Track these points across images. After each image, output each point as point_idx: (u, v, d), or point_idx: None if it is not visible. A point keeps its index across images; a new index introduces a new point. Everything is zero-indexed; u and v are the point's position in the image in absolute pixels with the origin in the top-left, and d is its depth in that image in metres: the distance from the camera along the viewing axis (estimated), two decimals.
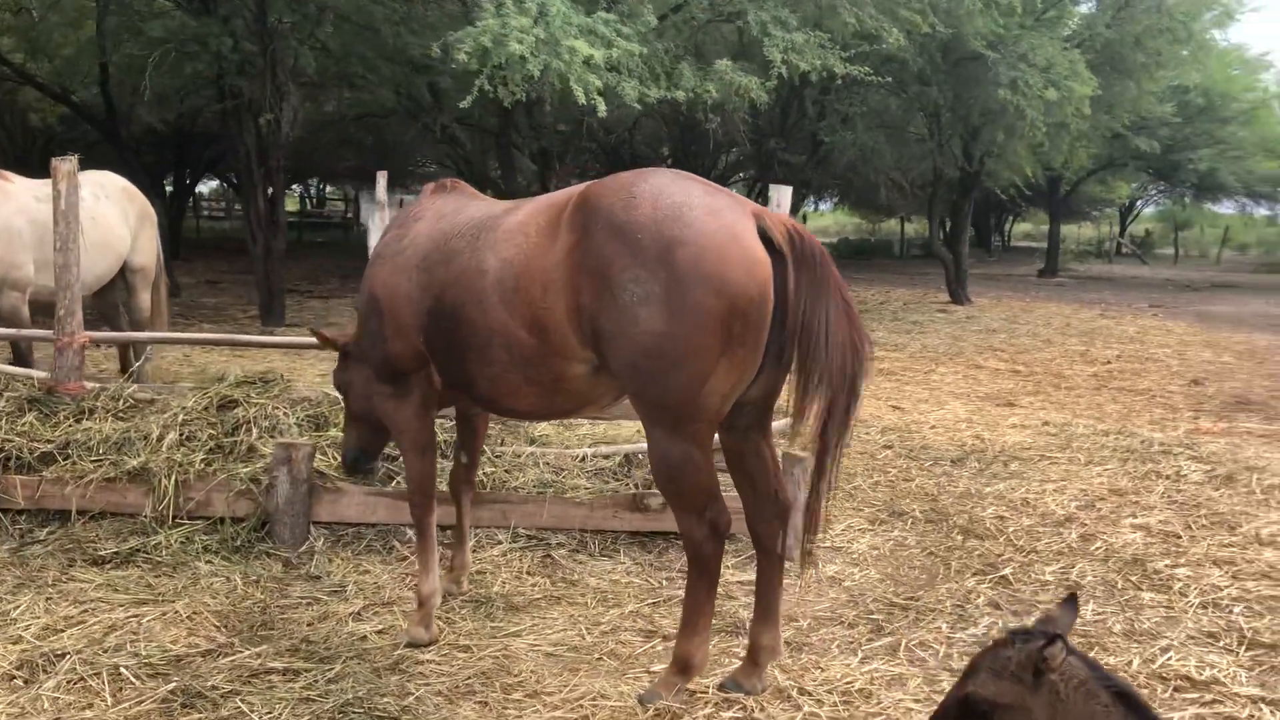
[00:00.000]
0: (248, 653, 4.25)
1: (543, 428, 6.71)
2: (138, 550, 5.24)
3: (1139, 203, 50.88)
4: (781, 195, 6.17)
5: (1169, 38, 18.52)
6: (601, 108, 10.04)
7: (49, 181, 7.86)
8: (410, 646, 4.40)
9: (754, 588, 4.23)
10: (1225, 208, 42.57)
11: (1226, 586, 5.16)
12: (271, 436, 5.82)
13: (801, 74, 11.92)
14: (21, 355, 7.46)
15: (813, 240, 3.73)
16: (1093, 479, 7.14)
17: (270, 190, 14.59)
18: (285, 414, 5.98)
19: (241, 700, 3.88)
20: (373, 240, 6.24)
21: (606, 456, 6.23)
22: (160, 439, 5.69)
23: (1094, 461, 7.62)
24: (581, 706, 3.94)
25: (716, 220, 3.58)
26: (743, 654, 4.24)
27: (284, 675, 4.11)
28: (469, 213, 4.33)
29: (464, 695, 4.03)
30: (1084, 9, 21.26)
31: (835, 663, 4.37)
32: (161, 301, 8.81)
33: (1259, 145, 32.30)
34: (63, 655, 4.16)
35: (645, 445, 6.41)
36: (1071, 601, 2.65)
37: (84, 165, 6.66)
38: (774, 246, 3.65)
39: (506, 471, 5.91)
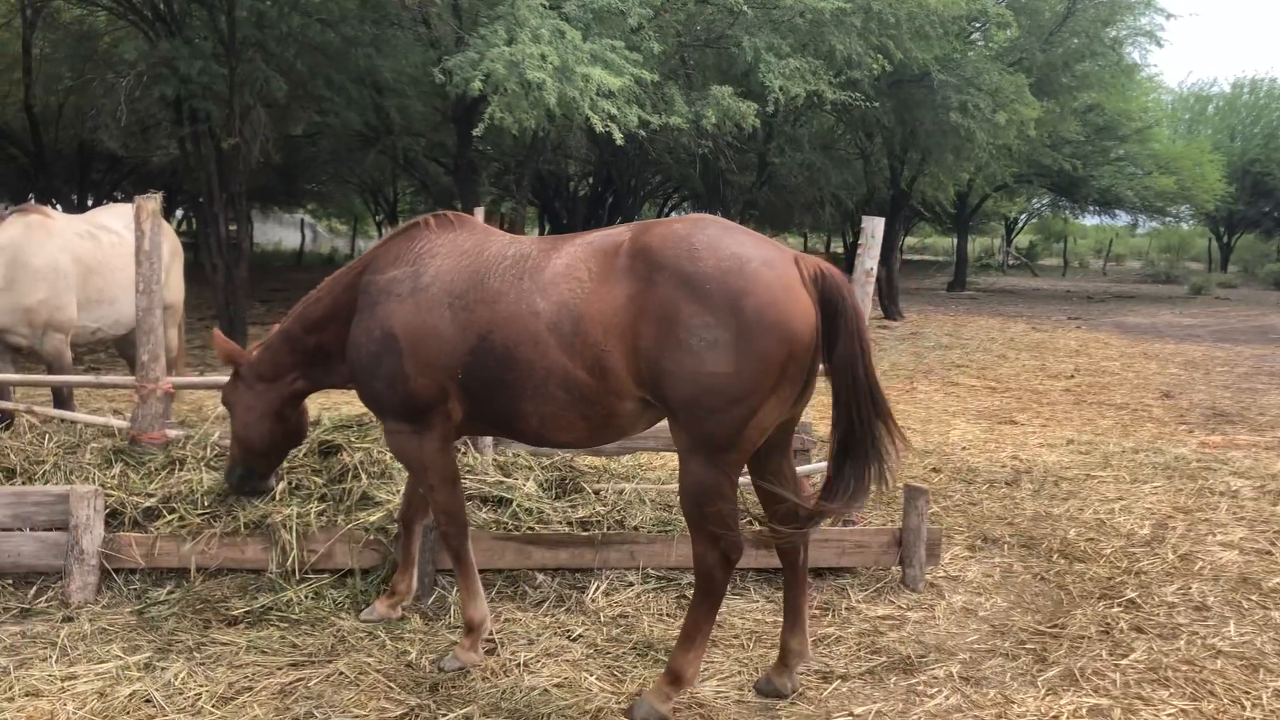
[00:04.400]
0: (454, 715, 4.09)
1: (604, 464, 6.67)
2: (270, 608, 5.01)
3: (1022, 216, 52.83)
4: (875, 226, 6.22)
5: (1099, 61, 19.33)
6: (618, 135, 10.00)
7: (88, 217, 7.53)
8: (461, 670, 4.53)
9: (782, 599, 4.55)
10: (1120, 220, 44.44)
11: None
12: (382, 482, 5.64)
13: (790, 98, 12.08)
14: (62, 400, 7.05)
15: (837, 280, 4.03)
16: (1149, 497, 7.38)
17: (233, 215, 14.13)
18: (391, 458, 5.79)
19: None
20: None
21: None
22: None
23: (1139, 479, 7.88)
24: None
25: (772, 271, 3.91)
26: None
27: None
28: (494, 250, 4.41)
29: None
30: (1008, 33, 22.08)
31: (1025, 696, 4.41)
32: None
33: (1153, 162, 33.90)
34: None
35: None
36: None
37: None
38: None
39: (622, 511, 5.83)
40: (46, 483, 5.55)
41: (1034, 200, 45.77)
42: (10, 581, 5.18)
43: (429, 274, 4.41)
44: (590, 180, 32.19)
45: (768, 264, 3.89)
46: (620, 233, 4.18)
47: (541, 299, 4.09)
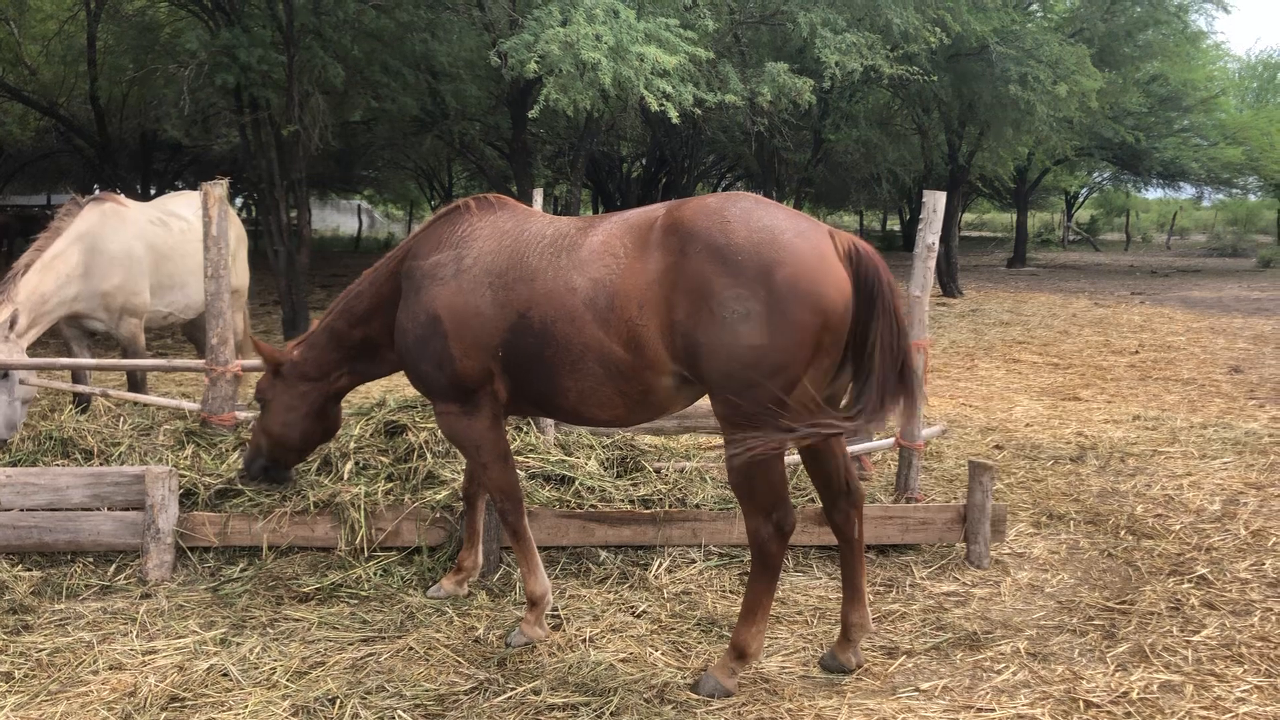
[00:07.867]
0: (522, 689, 4.15)
1: (663, 443, 6.64)
2: (339, 585, 5.10)
3: (1083, 190, 51.83)
4: (936, 200, 6.15)
5: (1163, 30, 18.89)
6: (673, 114, 9.98)
7: (158, 204, 7.69)
8: (527, 645, 4.57)
9: (840, 574, 4.54)
10: (1184, 193, 43.47)
11: None
12: (447, 461, 5.71)
13: (846, 73, 11.98)
14: (137, 384, 7.23)
15: (871, 256, 4.01)
16: (1219, 472, 7.25)
17: (293, 201, 14.32)
18: None
19: None
20: None
21: None
22: (336, 469, 5.55)
23: (1208, 455, 7.74)
24: None
25: (805, 242, 3.90)
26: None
27: (565, 711, 4.03)
28: (534, 229, 4.46)
29: None
30: (1068, 2, 21.66)
31: (1095, 672, 4.37)
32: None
33: (1219, 132, 33.10)
34: (334, 700, 4.03)
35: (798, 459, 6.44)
36: None
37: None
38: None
39: (683, 489, 5.85)
40: (123, 464, 5.70)
41: (1095, 174, 44.92)
42: (91, 559, 5.33)
43: (471, 256, 4.46)
44: (643, 161, 32.16)
45: (800, 235, 3.88)
46: (655, 209, 4.22)
47: (578, 275, 4.13)
